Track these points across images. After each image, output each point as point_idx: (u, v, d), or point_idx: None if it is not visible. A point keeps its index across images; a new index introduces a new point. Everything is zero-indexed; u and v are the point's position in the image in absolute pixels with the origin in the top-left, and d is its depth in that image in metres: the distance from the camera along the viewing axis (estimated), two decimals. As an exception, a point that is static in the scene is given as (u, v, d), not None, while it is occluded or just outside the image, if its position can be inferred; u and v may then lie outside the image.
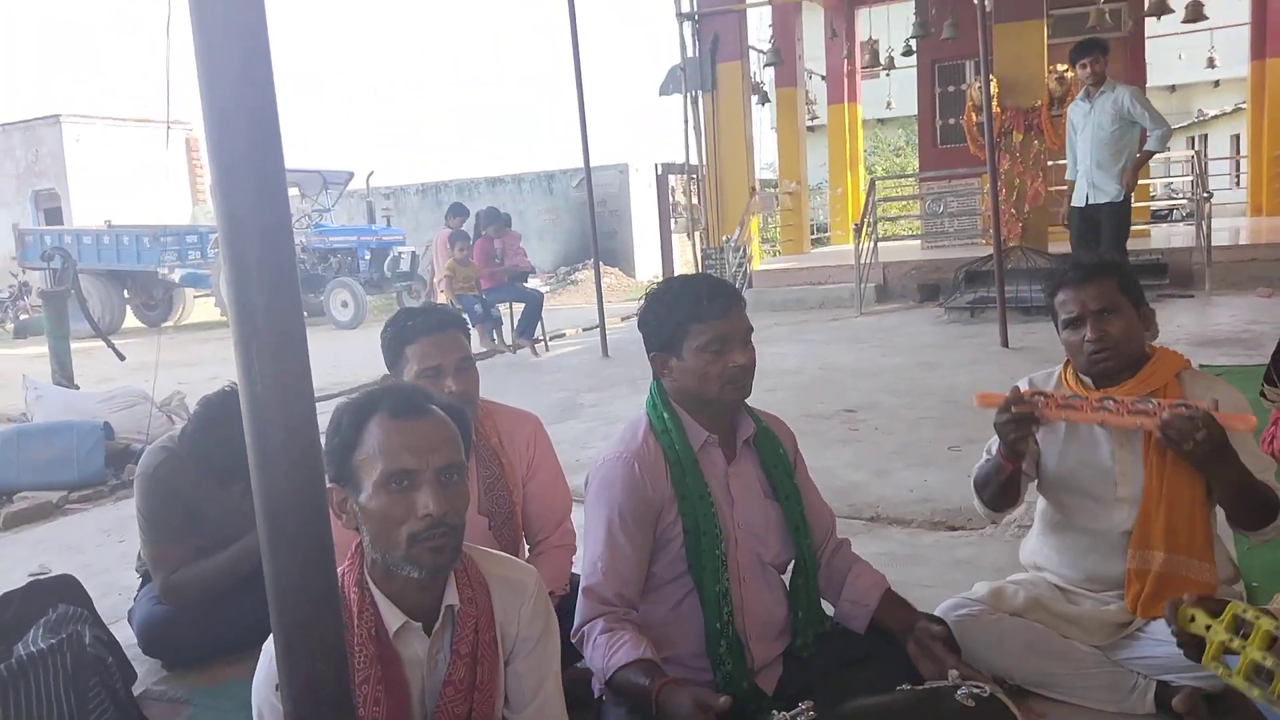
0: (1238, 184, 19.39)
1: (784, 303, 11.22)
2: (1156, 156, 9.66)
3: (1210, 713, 2.12)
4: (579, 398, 7.10)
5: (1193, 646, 1.74)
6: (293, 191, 16.73)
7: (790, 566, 2.17)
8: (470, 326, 3.01)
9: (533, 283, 10.69)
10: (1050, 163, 10.68)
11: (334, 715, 1.02)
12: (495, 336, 10.20)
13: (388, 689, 1.54)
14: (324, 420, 1.56)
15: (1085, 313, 2.23)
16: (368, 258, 15.99)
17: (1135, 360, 2.25)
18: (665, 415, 2.06)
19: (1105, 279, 2.24)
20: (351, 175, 17.40)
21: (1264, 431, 3.68)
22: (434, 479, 1.53)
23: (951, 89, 13.59)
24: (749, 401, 2.19)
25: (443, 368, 2.31)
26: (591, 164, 8.98)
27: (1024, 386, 2.43)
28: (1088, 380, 2.31)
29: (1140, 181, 13.55)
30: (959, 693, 1.78)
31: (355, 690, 1.51)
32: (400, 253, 16.12)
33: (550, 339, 10.36)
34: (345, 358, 10.38)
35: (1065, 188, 11.87)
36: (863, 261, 10.57)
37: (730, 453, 2.11)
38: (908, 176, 19.33)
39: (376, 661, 1.54)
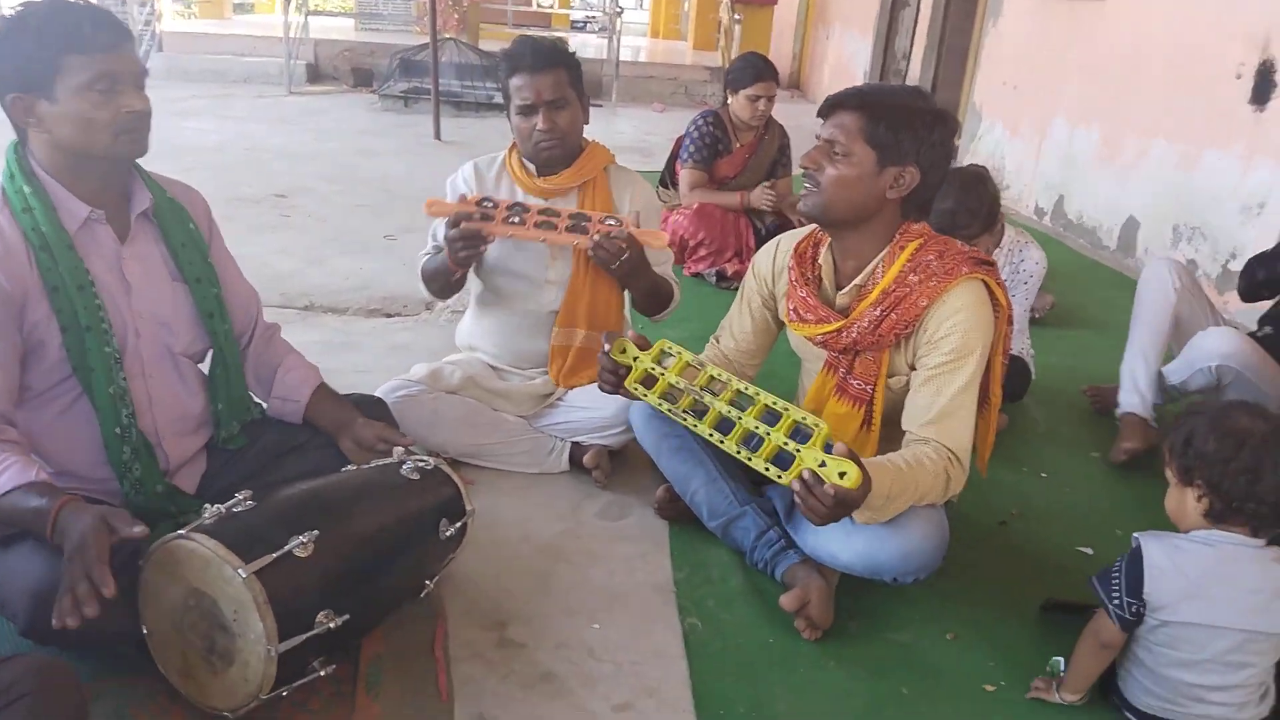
0: (641, 6, 21.42)
1: (202, 73, 9.99)
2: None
3: (611, 463, 2.49)
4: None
5: (614, 375, 1.97)
6: None
7: (209, 355, 1.95)
8: None
9: None
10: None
11: None
12: None
13: None
14: None
15: (539, 102, 2.28)
16: None
17: (574, 151, 2.38)
18: (27, 190, 1.66)
19: (559, 69, 2.30)
20: None
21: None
22: None
23: None
24: (149, 167, 1.86)
25: None
26: None
27: (469, 173, 2.45)
28: (531, 167, 2.39)
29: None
30: (404, 467, 1.81)
31: None
32: None
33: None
34: None
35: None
36: (292, 36, 9.76)
37: (123, 231, 1.78)
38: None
39: None
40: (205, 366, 1.96)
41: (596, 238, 2.20)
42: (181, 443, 1.88)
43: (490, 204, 2.26)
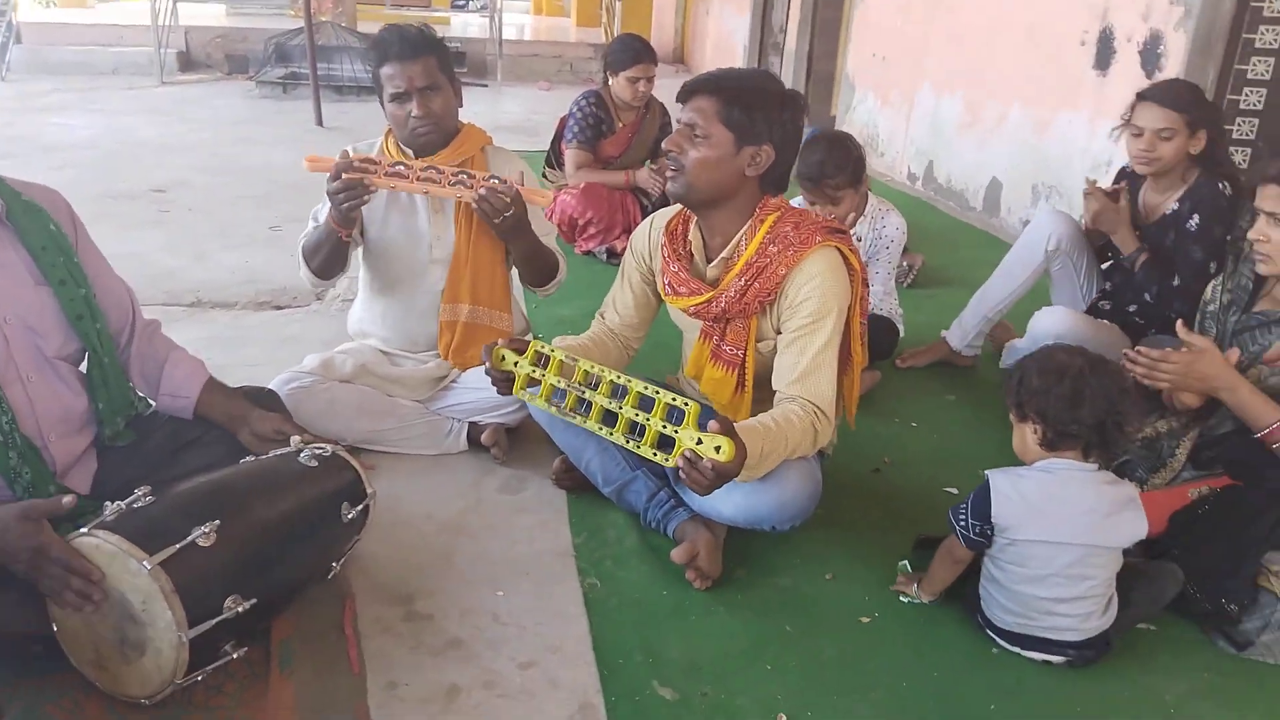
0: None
1: (65, 65, 9.54)
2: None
3: (508, 439, 2.57)
4: None
5: (504, 383, 2.06)
6: None
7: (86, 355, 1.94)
8: None
9: None
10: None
11: None
12: None
13: None
14: None
15: (411, 89, 2.33)
16: None
17: (450, 134, 2.44)
18: None
19: (429, 56, 2.35)
20: None
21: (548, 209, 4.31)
22: None
23: None
24: (10, 168, 1.84)
25: None
26: None
27: (350, 154, 2.48)
28: (409, 151, 2.45)
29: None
30: (302, 455, 1.87)
31: None
32: None
33: None
34: None
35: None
36: (161, 23, 9.41)
37: None
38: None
39: None
40: (85, 367, 1.95)
41: (482, 190, 2.26)
42: (68, 443, 1.89)
43: (371, 164, 2.29)
